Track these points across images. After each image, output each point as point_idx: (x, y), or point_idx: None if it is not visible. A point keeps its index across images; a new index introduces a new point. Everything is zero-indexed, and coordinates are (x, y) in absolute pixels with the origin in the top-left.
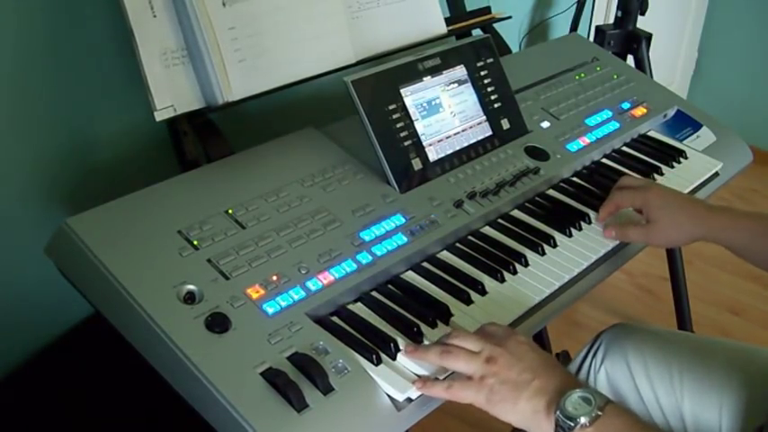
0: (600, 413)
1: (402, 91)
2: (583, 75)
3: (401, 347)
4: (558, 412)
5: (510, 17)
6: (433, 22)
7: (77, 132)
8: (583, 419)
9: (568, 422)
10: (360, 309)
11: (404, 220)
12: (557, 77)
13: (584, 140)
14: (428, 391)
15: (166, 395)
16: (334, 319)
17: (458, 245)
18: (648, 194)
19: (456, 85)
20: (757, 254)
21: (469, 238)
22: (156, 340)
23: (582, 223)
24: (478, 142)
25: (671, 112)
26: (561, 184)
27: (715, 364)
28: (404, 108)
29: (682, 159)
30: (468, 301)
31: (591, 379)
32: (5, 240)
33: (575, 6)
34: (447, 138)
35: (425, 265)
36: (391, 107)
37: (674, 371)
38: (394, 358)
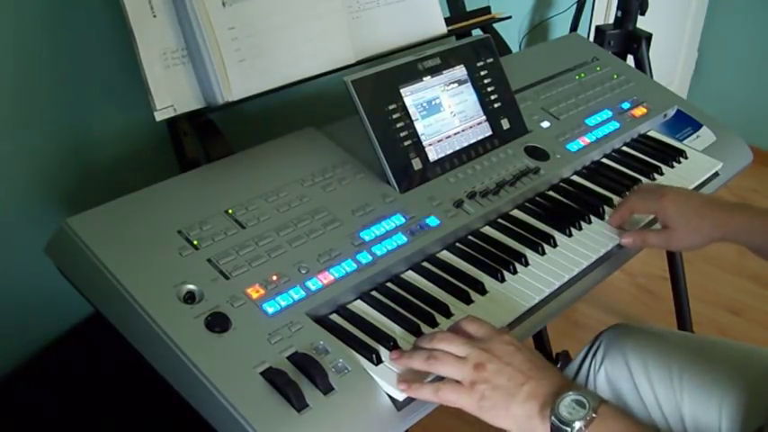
0: (594, 415)
1: (402, 91)
2: (583, 75)
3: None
4: (552, 417)
5: (510, 17)
6: (433, 22)
7: (77, 132)
8: (578, 424)
9: (564, 427)
10: (360, 307)
11: (404, 220)
12: (557, 77)
13: (584, 140)
14: (416, 393)
15: (166, 395)
16: (334, 317)
17: (458, 245)
18: (663, 201)
19: (456, 84)
20: None
21: (469, 237)
22: (156, 340)
23: (582, 223)
24: (478, 142)
25: (671, 112)
26: (561, 184)
27: (715, 365)
28: (404, 108)
29: (682, 159)
30: (468, 300)
31: (591, 379)
32: (5, 240)
33: (575, 6)
34: (447, 138)
35: (425, 264)
36: (391, 107)
37: (673, 371)
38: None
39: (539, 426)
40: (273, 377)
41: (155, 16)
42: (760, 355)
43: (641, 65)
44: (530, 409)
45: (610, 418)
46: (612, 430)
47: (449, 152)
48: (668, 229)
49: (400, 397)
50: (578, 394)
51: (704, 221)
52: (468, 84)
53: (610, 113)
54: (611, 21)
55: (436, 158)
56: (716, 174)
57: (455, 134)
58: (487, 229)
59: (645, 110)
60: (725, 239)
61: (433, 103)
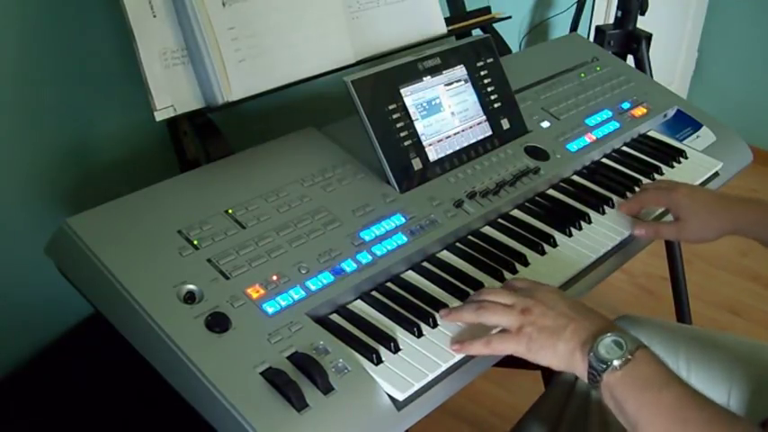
0: (630, 357)
1: (402, 91)
2: (583, 75)
3: (411, 338)
4: (590, 354)
5: (510, 17)
6: (433, 22)
7: (77, 132)
8: (615, 362)
9: (600, 364)
10: (360, 307)
11: (404, 220)
12: (557, 77)
13: (585, 140)
14: (468, 350)
15: (166, 395)
16: (334, 317)
17: (458, 244)
18: (675, 194)
19: (456, 84)
20: None
21: (470, 237)
22: (156, 340)
23: (582, 223)
24: (478, 142)
25: (671, 112)
26: (561, 184)
27: (722, 357)
28: (404, 108)
29: (682, 159)
30: None
31: None
32: (5, 240)
33: (575, 6)
34: (447, 138)
35: (425, 264)
36: (391, 107)
37: (681, 361)
38: (396, 353)
39: (579, 362)
40: (273, 377)
41: (155, 16)
42: (766, 350)
43: (641, 65)
44: (573, 346)
45: (643, 363)
46: (644, 373)
47: (449, 152)
48: (680, 221)
49: (401, 396)
50: (618, 335)
51: (716, 214)
52: (469, 84)
53: (610, 113)
54: (611, 21)
55: (436, 158)
56: (716, 174)
57: (455, 134)
58: (487, 229)
59: (645, 110)
60: (736, 233)
61: (433, 103)
